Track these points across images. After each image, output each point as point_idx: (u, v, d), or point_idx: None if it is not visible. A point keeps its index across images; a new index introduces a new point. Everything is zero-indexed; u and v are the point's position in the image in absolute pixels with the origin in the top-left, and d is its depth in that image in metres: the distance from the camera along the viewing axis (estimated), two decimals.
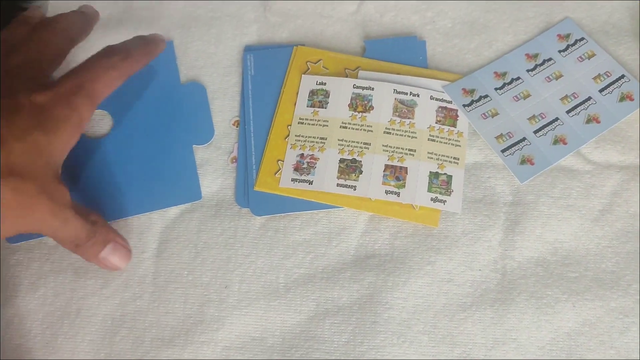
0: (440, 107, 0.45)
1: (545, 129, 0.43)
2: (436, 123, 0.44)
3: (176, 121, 0.45)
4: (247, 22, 0.49)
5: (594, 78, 0.45)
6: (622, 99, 0.44)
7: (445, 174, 0.42)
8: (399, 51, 0.47)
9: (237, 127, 0.45)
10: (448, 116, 0.44)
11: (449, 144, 0.43)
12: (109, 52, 0.38)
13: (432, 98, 0.45)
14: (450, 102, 0.45)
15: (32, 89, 0.34)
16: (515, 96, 0.45)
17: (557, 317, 0.39)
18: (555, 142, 0.43)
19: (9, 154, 0.32)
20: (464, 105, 0.45)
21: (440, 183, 0.42)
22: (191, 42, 0.48)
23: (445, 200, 0.42)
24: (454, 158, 0.43)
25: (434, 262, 0.41)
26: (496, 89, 0.45)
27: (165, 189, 0.43)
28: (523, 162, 0.43)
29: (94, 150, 0.44)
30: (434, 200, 0.42)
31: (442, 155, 0.43)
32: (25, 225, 0.33)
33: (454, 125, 0.44)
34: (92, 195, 0.43)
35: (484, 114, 0.44)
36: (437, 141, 0.43)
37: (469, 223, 0.42)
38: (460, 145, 0.43)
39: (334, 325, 0.39)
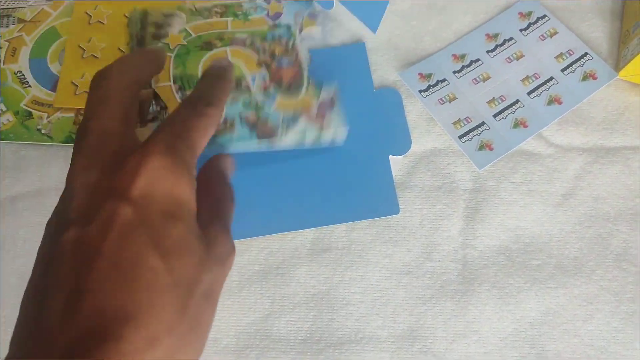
0: None
1: (505, 112, 0.42)
2: None
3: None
4: None
5: (556, 57, 0.43)
6: (584, 77, 0.42)
7: None
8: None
9: None
10: None
11: None
12: (192, 102, 0.31)
13: None
14: None
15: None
16: (475, 79, 0.43)
17: (520, 307, 0.38)
18: (516, 125, 0.41)
19: None
20: (420, 91, 0.43)
21: None
22: None
23: None
24: None
25: (392, 255, 0.39)
26: (454, 72, 0.43)
27: (361, 200, 0.41)
28: (481, 147, 0.41)
29: (285, 159, 0.42)
30: None
31: None
32: None
33: None
34: (281, 204, 0.41)
35: (441, 99, 0.43)
36: None
37: (428, 212, 0.40)
38: None
39: (290, 323, 0.38)
